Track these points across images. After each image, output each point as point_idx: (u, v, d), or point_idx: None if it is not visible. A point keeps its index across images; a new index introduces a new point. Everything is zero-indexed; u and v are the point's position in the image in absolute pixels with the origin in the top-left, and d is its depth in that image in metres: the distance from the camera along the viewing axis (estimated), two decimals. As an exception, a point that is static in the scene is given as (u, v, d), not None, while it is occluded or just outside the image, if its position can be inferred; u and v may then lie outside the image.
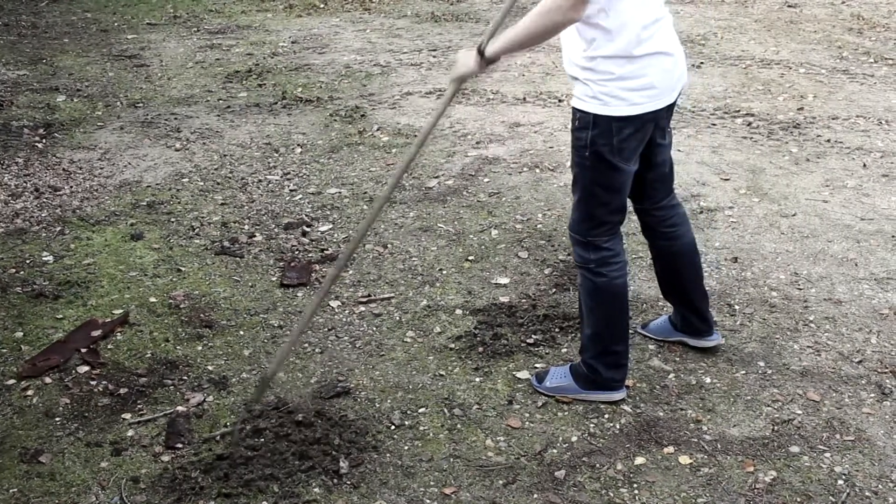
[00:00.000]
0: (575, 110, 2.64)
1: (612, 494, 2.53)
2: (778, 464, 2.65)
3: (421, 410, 2.88)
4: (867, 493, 2.53)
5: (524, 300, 3.51)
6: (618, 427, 2.80)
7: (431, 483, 2.58)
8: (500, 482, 2.58)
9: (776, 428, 2.80)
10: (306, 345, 3.24)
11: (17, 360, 3.12)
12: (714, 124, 5.42)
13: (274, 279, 3.68)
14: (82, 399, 2.92)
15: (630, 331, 3.01)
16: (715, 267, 3.74)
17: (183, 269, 3.76)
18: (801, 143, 5.09)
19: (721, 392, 2.97)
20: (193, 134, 5.29)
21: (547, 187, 4.55)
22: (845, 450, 2.71)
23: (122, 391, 2.96)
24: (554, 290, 3.59)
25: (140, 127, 5.41)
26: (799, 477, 2.60)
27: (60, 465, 2.64)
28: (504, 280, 3.67)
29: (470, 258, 3.85)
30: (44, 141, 5.16)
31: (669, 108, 2.72)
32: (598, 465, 2.64)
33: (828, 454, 2.69)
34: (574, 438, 2.75)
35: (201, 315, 3.41)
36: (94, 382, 3.01)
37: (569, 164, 4.79)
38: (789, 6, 8.50)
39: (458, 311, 3.45)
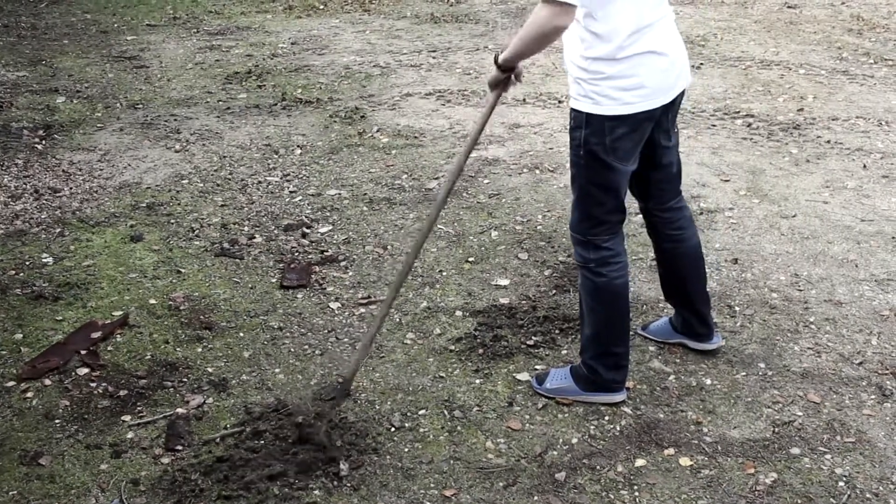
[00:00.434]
0: (571, 110, 2.67)
1: (612, 496, 2.53)
2: (779, 465, 2.65)
3: (421, 412, 2.88)
4: (868, 495, 2.53)
5: (524, 302, 3.51)
6: (618, 429, 2.80)
7: (431, 485, 2.57)
8: (501, 484, 2.57)
9: (777, 430, 2.80)
10: (306, 346, 3.23)
11: (16, 362, 3.12)
12: (714, 125, 5.42)
13: (274, 281, 3.68)
14: (82, 401, 2.92)
15: (630, 332, 3.00)
16: (715, 268, 3.74)
17: (183, 270, 3.76)
18: (801, 144, 5.09)
19: (721, 394, 2.97)
20: (193, 135, 5.29)
21: (547, 188, 4.55)
22: (846, 451, 2.70)
23: (121, 393, 2.96)
24: (554, 291, 3.59)
25: (140, 128, 5.41)
26: (800, 479, 2.60)
27: (60, 468, 2.63)
28: (504, 281, 3.67)
29: (470, 259, 3.85)
30: (43, 142, 5.16)
31: (670, 109, 2.71)
32: (598, 467, 2.64)
33: (828, 456, 2.68)
34: (574, 440, 2.75)
35: (201, 317, 3.40)
36: (93, 384, 3.00)
37: (568, 164, 4.79)
38: (789, 7, 8.50)
39: (458, 313, 3.44)
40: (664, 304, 3.41)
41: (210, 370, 3.09)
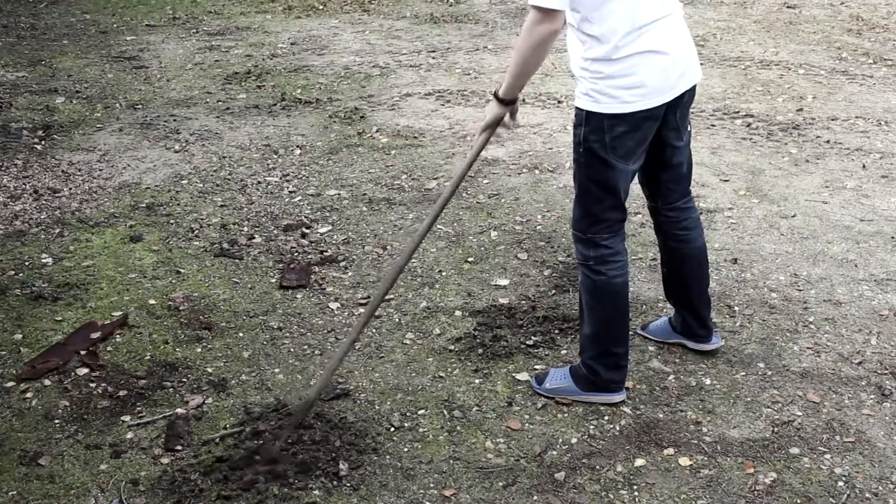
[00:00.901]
0: (575, 108, 2.68)
1: (612, 496, 2.53)
2: (778, 465, 2.65)
3: (420, 412, 2.88)
4: (867, 495, 2.53)
5: (524, 302, 3.51)
6: (618, 429, 2.80)
7: (431, 485, 2.57)
8: (500, 484, 2.57)
9: (776, 429, 2.80)
10: (305, 347, 3.23)
11: (16, 363, 3.12)
12: (713, 125, 5.43)
13: (273, 281, 3.68)
14: (81, 401, 2.92)
15: (630, 332, 3.00)
16: (714, 268, 3.74)
17: (182, 270, 3.76)
18: (800, 144, 5.09)
19: (721, 393, 2.97)
20: (192, 136, 5.29)
21: (546, 188, 4.55)
22: (845, 451, 2.71)
23: (121, 393, 2.96)
24: (553, 291, 3.59)
25: (139, 129, 5.41)
26: (799, 478, 2.60)
27: (59, 468, 2.63)
28: (503, 281, 3.67)
29: (469, 259, 3.85)
30: (43, 143, 5.16)
31: (677, 107, 2.71)
32: (597, 467, 2.64)
33: (828, 456, 2.69)
34: (574, 440, 2.75)
35: (200, 317, 3.40)
36: (93, 385, 3.00)
37: (568, 165, 4.80)
38: (788, 7, 8.50)
39: (458, 313, 3.44)
40: (663, 304, 3.41)
41: (209, 370, 3.09)
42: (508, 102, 2.63)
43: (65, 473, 2.61)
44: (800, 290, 3.59)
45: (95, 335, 3.24)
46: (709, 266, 3.07)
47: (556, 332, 3.30)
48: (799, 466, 2.65)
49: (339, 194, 4.50)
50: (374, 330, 3.34)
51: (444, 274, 3.74)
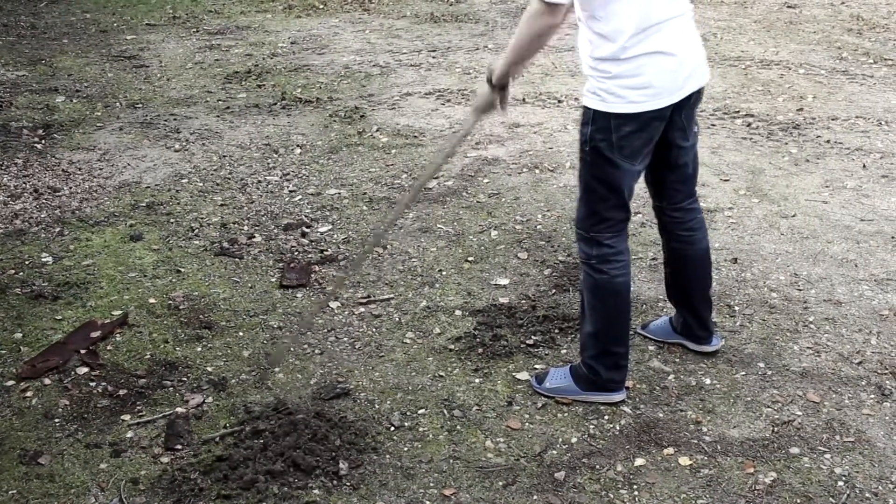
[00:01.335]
0: (582, 106, 2.68)
1: (611, 496, 2.53)
2: (778, 465, 2.65)
3: (420, 412, 2.88)
4: (867, 495, 2.53)
5: (524, 301, 3.51)
6: (618, 428, 2.80)
7: (431, 484, 2.57)
8: (500, 483, 2.57)
9: (776, 429, 2.80)
10: (306, 346, 3.23)
11: (16, 362, 3.12)
12: (714, 125, 5.42)
13: (273, 280, 3.68)
14: (81, 400, 2.92)
15: (630, 331, 3.00)
16: (715, 268, 3.73)
17: (182, 270, 3.76)
18: (800, 144, 5.09)
19: (721, 393, 2.97)
20: (193, 135, 5.29)
21: (546, 188, 4.55)
22: (845, 451, 2.70)
23: (121, 392, 2.96)
24: (554, 290, 3.59)
25: (139, 128, 5.41)
26: (799, 478, 2.60)
27: (60, 467, 2.63)
28: (504, 281, 3.67)
29: (469, 259, 3.85)
30: (43, 142, 5.16)
31: (683, 108, 2.70)
32: (597, 467, 2.64)
33: (828, 455, 2.69)
34: (574, 440, 2.75)
35: (201, 316, 3.40)
36: (93, 384, 3.00)
37: (568, 164, 4.80)
38: (789, 7, 8.51)
39: (458, 312, 3.44)
40: (664, 304, 3.41)
41: (209, 369, 3.09)
42: (500, 87, 2.66)
43: (65, 472, 2.61)
44: (800, 290, 3.59)
45: (95, 334, 3.24)
46: (712, 269, 3.07)
47: (557, 331, 3.30)
48: (799, 466, 2.64)
49: (339, 193, 4.50)
50: (374, 329, 3.34)
51: (444, 273, 3.74)
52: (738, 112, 5.61)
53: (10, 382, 3.01)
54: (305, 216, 4.25)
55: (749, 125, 5.40)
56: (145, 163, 4.88)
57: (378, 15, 8.46)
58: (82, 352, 3.15)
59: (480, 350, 3.19)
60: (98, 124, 5.46)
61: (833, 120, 5.45)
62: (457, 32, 7.74)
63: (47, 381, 3.01)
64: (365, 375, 3.06)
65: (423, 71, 6.57)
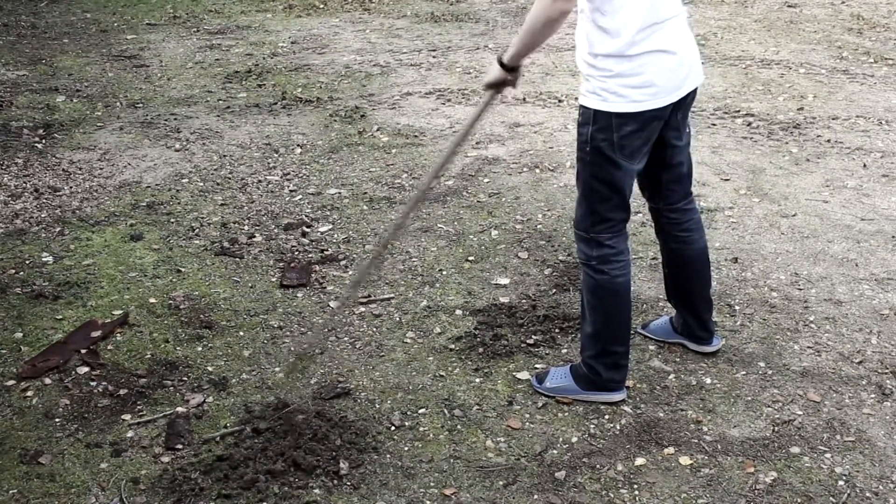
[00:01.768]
0: (580, 106, 2.66)
1: (612, 495, 2.53)
2: (778, 464, 2.65)
3: (421, 411, 2.88)
4: (868, 494, 2.53)
5: (524, 301, 3.51)
6: (618, 428, 2.80)
7: (431, 484, 2.57)
8: (501, 483, 2.57)
9: (776, 428, 2.80)
10: (306, 346, 3.23)
11: (16, 361, 3.12)
12: (714, 124, 5.42)
13: (274, 280, 3.68)
14: (82, 400, 2.92)
15: (630, 331, 3.00)
16: (715, 267, 3.73)
17: (183, 269, 3.76)
18: (801, 144, 5.09)
19: (721, 393, 2.97)
20: (193, 134, 5.29)
21: (547, 188, 4.55)
22: (846, 450, 2.70)
23: (121, 392, 2.96)
24: (554, 290, 3.59)
25: (140, 127, 5.41)
26: (799, 478, 2.60)
27: (60, 467, 2.63)
28: (504, 280, 3.67)
29: (470, 259, 3.85)
30: (43, 141, 5.16)
31: (680, 107, 2.71)
32: (598, 466, 2.64)
33: (828, 455, 2.68)
34: (574, 439, 2.75)
35: (201, 316, 3.40)
36: (93, 383, 3.00)
37: (569, 164, 4.80)
38: (789, 6, 8.50)
39: (458, 312, 3.44)
40: (664, 304, 3.41)
41: (210, 369, 3.09)
42: (512, 69, 2.65)
43: (65, 472, 2.61)
44: (800, 290, 3.59)
45: (96, 334, 3.24)
46: (710, 269, 3.07)
47: (557, 331, 3.30)
48: (799, 465, 2.64)
49: (339, 193, 4.50)
50: (374, 329, 3.34)
51: (444, 273, 3.74)
52: (739, 111, 5.61)
53: (11, 382, 3.01)
54: (306, 216, 4.25)
55: (749, 125, 5.39)
56: (146, 162, 4.88)
57: (378, 14, 8.46)
58: (83, 351, 3.15)
59: (481, 350, 3.19)
60: (98, 124, 5.46)
61: (833, 119, 5.45)
62: (457, 32, 7.73)
63: (48, 380, 3.02)
64: (365, 375, 3.06)
65: (424, 70, 6.57)
